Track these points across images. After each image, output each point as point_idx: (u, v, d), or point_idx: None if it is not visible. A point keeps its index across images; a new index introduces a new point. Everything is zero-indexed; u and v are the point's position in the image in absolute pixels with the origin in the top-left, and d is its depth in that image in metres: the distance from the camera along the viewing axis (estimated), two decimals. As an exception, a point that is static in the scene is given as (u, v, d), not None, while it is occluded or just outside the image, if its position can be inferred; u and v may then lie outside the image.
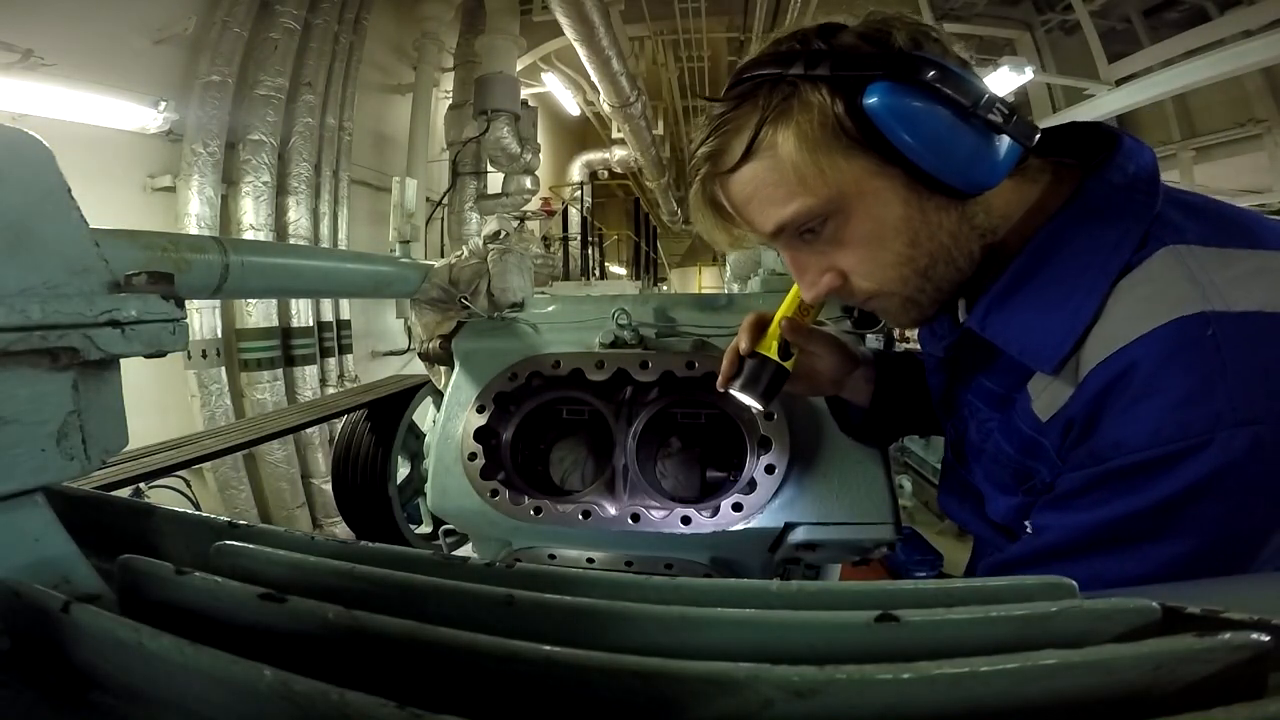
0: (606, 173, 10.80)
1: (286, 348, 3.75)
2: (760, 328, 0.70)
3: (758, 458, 0.89)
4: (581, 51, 5.01)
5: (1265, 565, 0.43)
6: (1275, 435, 0.40)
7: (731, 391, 0.71)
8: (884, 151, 0.50)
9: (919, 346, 0.74)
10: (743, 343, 0.70)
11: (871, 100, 0.48)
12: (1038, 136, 0.51)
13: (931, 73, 0.48)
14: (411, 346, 4.85)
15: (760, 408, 0.72)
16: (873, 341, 1.14)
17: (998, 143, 0.50)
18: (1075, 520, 0.48)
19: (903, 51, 0.50)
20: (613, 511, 0.89)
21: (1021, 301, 0.52)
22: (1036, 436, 0.52)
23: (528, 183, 5.20)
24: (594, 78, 5.67)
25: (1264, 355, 0.42)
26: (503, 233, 1.12)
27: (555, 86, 7.15)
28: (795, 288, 0.70)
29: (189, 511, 0.40)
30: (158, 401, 3.13)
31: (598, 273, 9.76)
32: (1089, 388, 0.47)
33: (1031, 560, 0.52)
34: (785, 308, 0.69)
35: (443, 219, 5.33)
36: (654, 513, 0.88)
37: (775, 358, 0.68)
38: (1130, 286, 0.47)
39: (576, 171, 9.91)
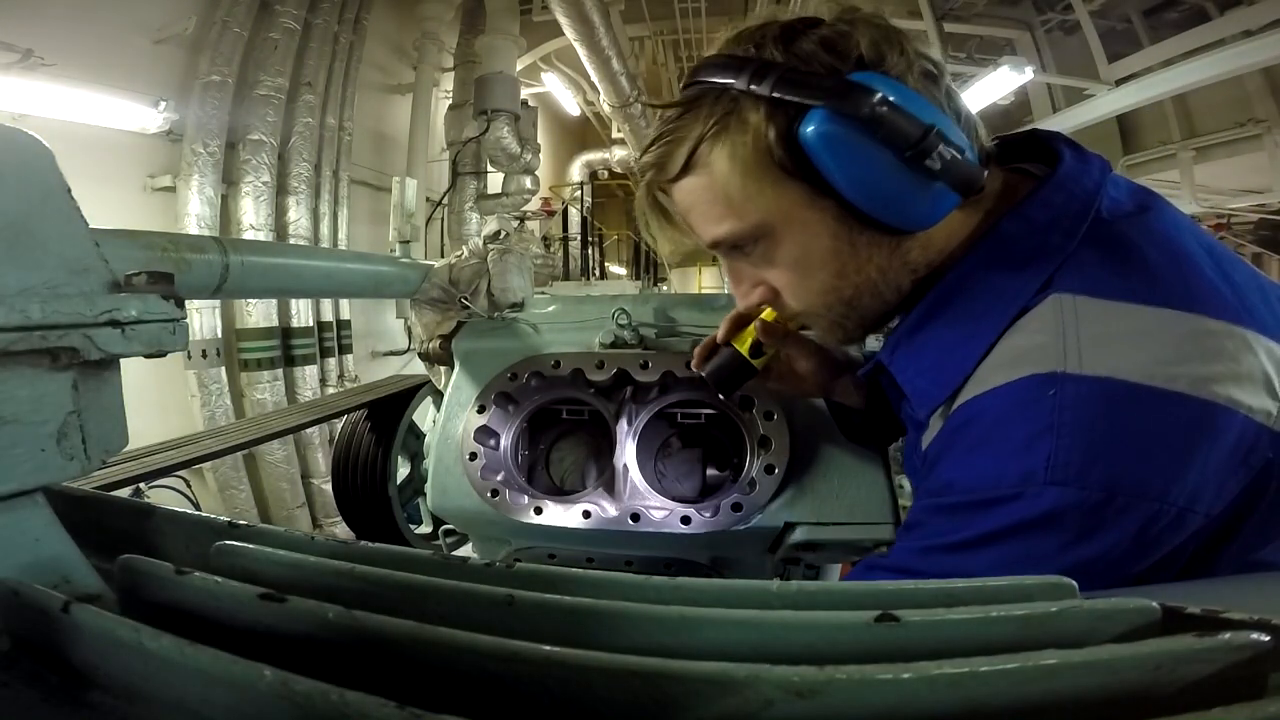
0: (606, 173, 10.80)
1: (286, 348, 3.75)
2: (742, 323, 0.72)
3: (758, 457, 0.89)
4: (581, 51, 5.01)
5: None
6: (1076, 499, 0.41)
7: (702, 376, 0.74)
8: (817, 183, 0.48)
9: None
10: (720, 332, 0.72)
11: (808, 130, 0.46)
12: (980, 184, 0.49)
13: (874, 106, 0.45)
14: (411, 346, 4.85)
15: (722, 397, 0.75)
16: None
17: (937, 185, 0.48)
18: (904, 545, 0.50)
19: (854, 74, 0.47)
20: (613, 511, 0.89)
21: (923, 342, 0.53)
22: (919, 465, 0.55)
23: (528, 183, 5.20)
24: (594, 78, 5.68)
25: (1096, 421, 0.42)
26: (503, 233, 1.12)
27: (555, 86, 7.16)
28: None
29: (189, 511, 0.40)
30: (158, 401, 3.14)
31: (598, 273, 9.76)
32: (946, 427, 0.49)
33: (870, 571, 0.54)
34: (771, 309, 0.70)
35: (443, 219, 5.33)
36: (654, 513, 0.88)
37: (745, 353, 0.70)
38: (1011, 334, 0.47)
39: (576, 171, 9.91)
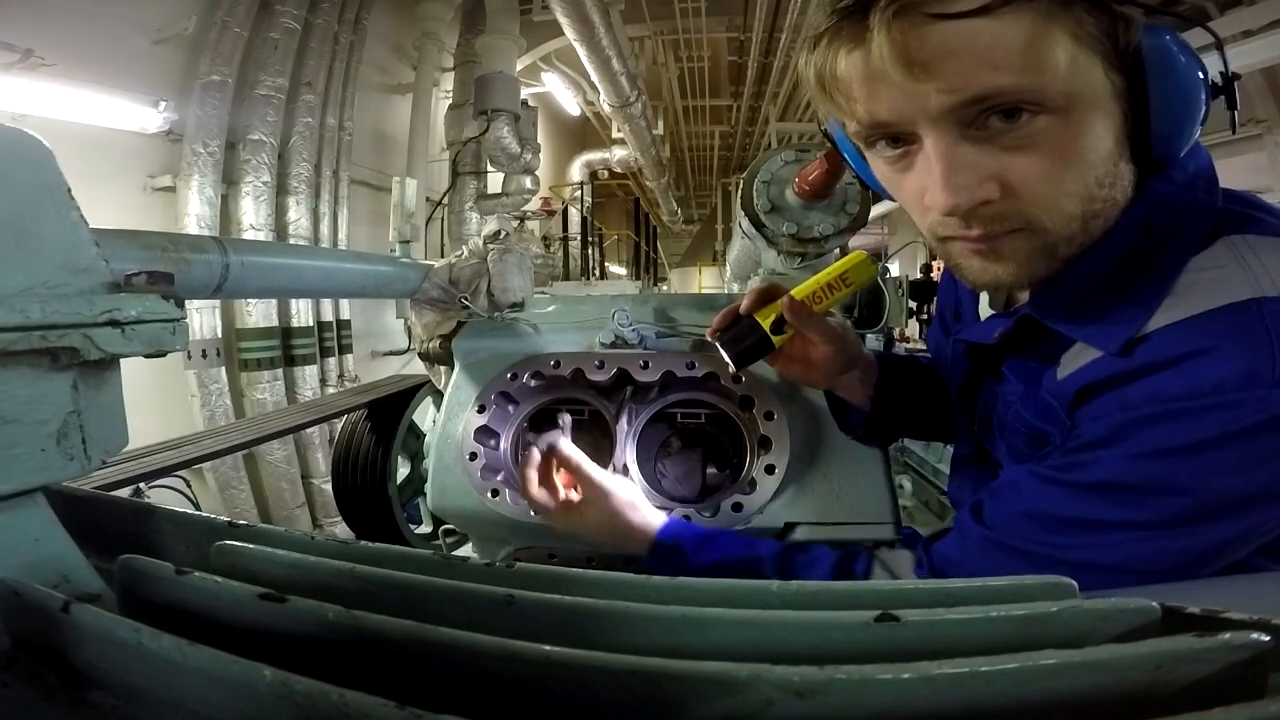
0: (606, 173, 10.80)
1: (286, 348, 3.74)
2: (768, 298, 0.71)
3: (758, 457, 0.89)
4: (581, 51, 5.01)
5: (1249, 537, 0.45)
6: None
7: (717, 344, 0.74)
8: (1131, 85, 0.48)
9: (914, 348, 0.74)
10: (745, 303, 0.72)
11: (1156, 39, 0.47)
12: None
13: (1219, 42, 0.49)
14: (411, 346, 4.85)
15: (734, 369, 0.74)
16: (873, 342, 1.14)
17: (1201, 125, 0.49)
18: (1099, 463, 0.48)
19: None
20: (613, 511, 0.89)
21: (1088, 291, 0.51)
22: (1050, 399, 0.53)
23: (528, 183, 5.19)
24: (594, 78, 5.68)
25: None
26: (503, 233, 1.12)
27: (555, 86, 7.15)
28: (823, 274, 0.71)
29: (189, 511, 0.40)
30: (158, 401, 3.13)
31: (598, 273, 9.76)
32: (1131, 358, 0.47)
33: (1047, 485, 0.51)
34: (801, 288, 0.70)
35: (443, 219, 5.32)
36: (654, 513, 0.88)
37: (766, 328, 0.70)
38: (1188, 274, 0.48)
39: (576, 171, 9.91)
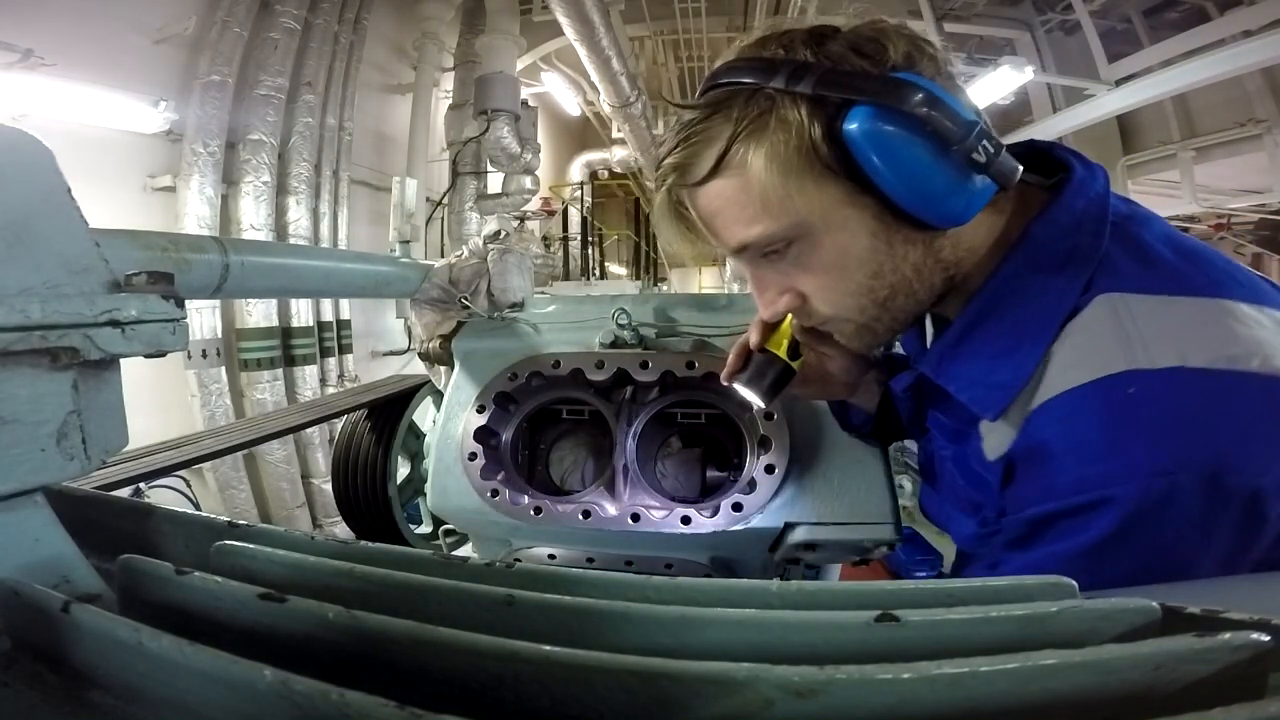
0: (606, 173, 10.79)
1: (286, 348, 3.74)
2: (772, 325, 0.69)
3: (758, 457, 0.89)
4: (581, 51, 5.01)
5: None
6: (1187, 484, 0.42)
7: (735, 386, 0.71)
8: (858, 179, 0.48)
9: None
10: (753, 337, 0.70)
11: (852, 126, 0.46)
12: (1019, 175, 0.49)
13: (919, 100, 0.45)
14: (411, 346, 4.85)
15: (761, 405, 0.72)
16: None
17: (976, 179, 0.48)
18: (1012, 562, 0.50)
19: (892, 74, 0.47)
20: (613, 511, 0.89)
21: (972, 349, 0.53)
22: (983, 474, 0.54)
23: (528, 183, 5.19)
24: (594, 78, 5.67)
25: (1179, 410, 0.43)
26: (503, 233, 1.12)
27: (555, 86, 7.15)
28: None
29: (189, 511, 0.40)
30: (158, 401, 3.13)
31: (598, 273, 9.76)
32: (1026, 435, 0.49)
33: None
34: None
35: (443, 219, 5.32)
36: (654, 513, 0.88)
37: (784, 356, 0.68)
38: (1069, 336, 0.48)
39: (576, 171, 9.90)
